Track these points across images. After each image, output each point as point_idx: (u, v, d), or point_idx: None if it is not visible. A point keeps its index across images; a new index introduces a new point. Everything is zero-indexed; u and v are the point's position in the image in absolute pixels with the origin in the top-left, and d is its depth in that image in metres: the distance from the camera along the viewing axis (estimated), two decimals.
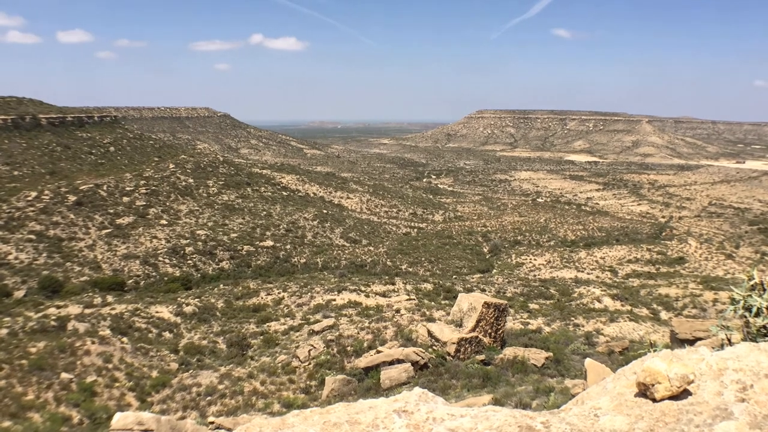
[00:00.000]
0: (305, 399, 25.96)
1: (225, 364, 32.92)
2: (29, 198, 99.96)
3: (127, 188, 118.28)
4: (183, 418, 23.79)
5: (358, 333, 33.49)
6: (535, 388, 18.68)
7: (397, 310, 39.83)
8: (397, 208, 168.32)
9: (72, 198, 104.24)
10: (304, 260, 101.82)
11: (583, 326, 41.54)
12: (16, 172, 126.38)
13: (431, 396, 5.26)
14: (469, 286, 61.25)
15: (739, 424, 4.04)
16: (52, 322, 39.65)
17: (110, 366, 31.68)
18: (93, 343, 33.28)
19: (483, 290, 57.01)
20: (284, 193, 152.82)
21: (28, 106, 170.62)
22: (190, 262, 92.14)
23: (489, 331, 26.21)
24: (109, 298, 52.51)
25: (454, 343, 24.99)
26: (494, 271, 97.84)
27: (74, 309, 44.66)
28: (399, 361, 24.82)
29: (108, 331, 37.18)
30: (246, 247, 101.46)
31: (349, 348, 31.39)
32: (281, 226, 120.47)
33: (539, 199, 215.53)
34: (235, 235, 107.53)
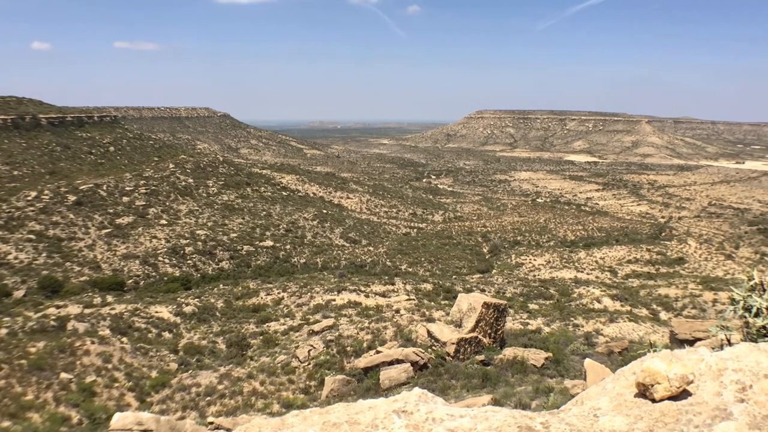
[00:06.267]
0: (305, 399, 25.96)
1: (224, 365, 32.91)
2: (29, 198, 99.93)
3: (127, 188, 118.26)
4: (182, 418, 23.78)
5: (358, 333, 33.49)
6: (535, 388, 18.68)
7: (397, 311, 39.82)
8: (397, 208, 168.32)
9: (72, 198, 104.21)
10: (304, 260, 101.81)
11: (582, 326, 41.55)
12: (15, 172, 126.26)
13: (431, 396, 5.26)
14: (468, 286, 61.24)
15: (738, 424, 4.04)
16: (52, 322, 39.63)
17: (110, 366, 31.68)
18: (92, 343, 33.28)
19: (483, 290, 57.01)
20: (284, 193, 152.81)
21: (27, 106, 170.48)
22: (189, 262, 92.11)
23: (488, 331, 26.22)
24: (109, 298, 52.50)
25: (453, 344, 24.98)
26: (494, 271, 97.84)
27: (74, 309, 44.64)
28: (398, 362, 24.81)
29: (107, 331, 37.19)
30: (246, 247, 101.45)
31: (348, 348, 31.39)
32: (281, 226, 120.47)
33: (539, 200, 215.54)
34: (234, 235, 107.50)
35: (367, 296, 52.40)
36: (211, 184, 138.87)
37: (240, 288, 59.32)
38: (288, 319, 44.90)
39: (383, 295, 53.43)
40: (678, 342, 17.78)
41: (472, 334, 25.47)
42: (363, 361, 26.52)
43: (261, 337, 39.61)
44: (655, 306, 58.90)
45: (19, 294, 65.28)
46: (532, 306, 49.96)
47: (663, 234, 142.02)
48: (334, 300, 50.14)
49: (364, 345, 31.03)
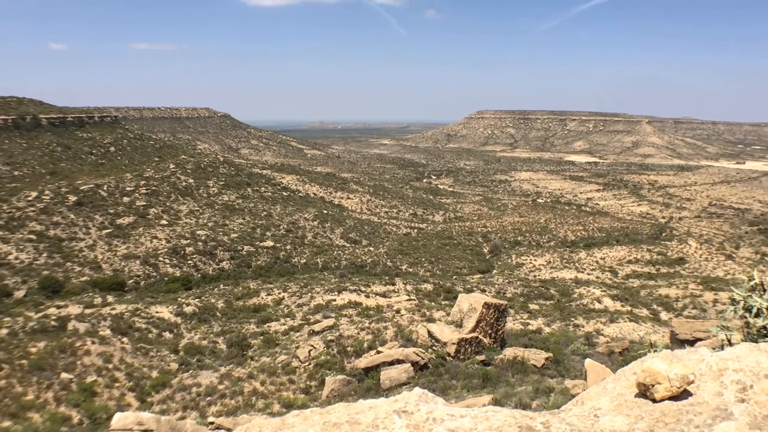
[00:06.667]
0: (305, 399, 25.96)
1: (225, 365, 32.92)
2: (30, 198, 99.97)
3: (128, 188, 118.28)
4: (183, 418, 23.78)
5: (358, 333, 33.50)
6: (535, 388, 18.67)
7: (398, 311, 39.83)
8: (398, 208, 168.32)
9: (72, 198, 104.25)
10: (305, 260, 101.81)
11: (583, 327, 41.53)
12: (16, 172, 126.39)
13: (431, 396, 5.26)
14: (469, 286, 61.22)
15: (739, 424, 4.04)
16: (53, 322, 39.64)
17: (110, 366, 31.69)
18: (93, 343, 33.30)
19: (483, 291, 57.00)
20: (284, 194, 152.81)
21: (28, 106, 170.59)
22: (190, 262, 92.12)
23: (489, 331, 26.20)
24: (110, 298, 52.50)
25: (454, 344, 24.98)
26: (494, 271, 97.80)
27: (74, 309, 44.66)
28: (399, 362, 24.81)
29: (108, 331, 37.20)
30: (246, 248, 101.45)
31: (349, 348, 31.40)
32: (281, 227, 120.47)
33: (539, 200, 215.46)
34: (235, 235, 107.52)
35: (367, 296, 52.40)
36: (211, 185, 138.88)
37: (240, 288, 59.31)
38: (288, 319, 44.90)
39: (384, 295, 53.43)
40: (678, 342, 17.78)
41: (472, 335, 25.46)
42: (363, 361, 26.52)
43: (261, 337, 39.62)
44: (655, 306, 58.88)
45: (19, 294, 65.30)
46: (532, 306, 49.95)
47: (663, 234, 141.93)
48: (335, 300, 50.14)
49: (365, 345, 31.04)
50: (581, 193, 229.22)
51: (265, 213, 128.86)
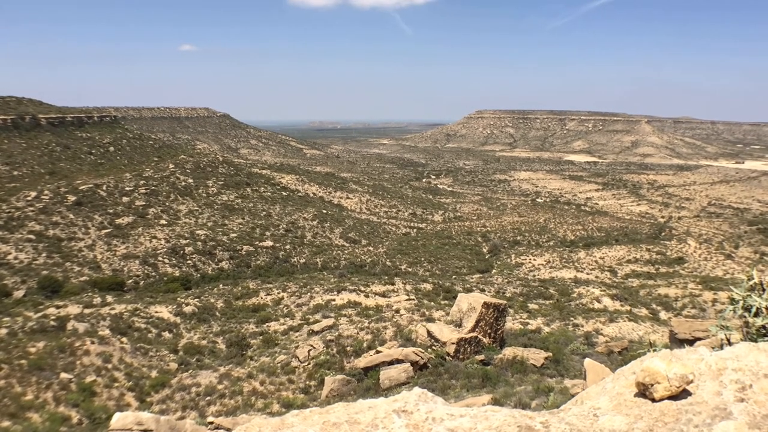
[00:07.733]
0: (304, 399, 25.95)
1: (224, 364, 32.91)
2: (29, 198, 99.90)
3: (127, 188, 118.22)
4: (182, 418, 23.77)
5: (358, 333, 33.49)
6: (535, 388, 18.67)
7: (397, 311, 39.83)
8: (397, 208, 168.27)
9: (71, 198, 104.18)
10: (304, 260, 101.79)
11: (582, 326, 41.57)
12: (15, 172, 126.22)
13: (430, 396, 5.26)
14: (468, 286, 61.23)
15: (738, 424, 4.04)
16: (52, 322, 39.61)
17: (110, 366, 31.68)
18: (92, 343, 33.29)
19: (482, 290, 57.00)
20: (284, 193, 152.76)
21: (27, 106, 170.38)
22: (189, 262, 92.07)
23: (488, 331, 26.21)
24: (109, 298, 52.45)
25: (453, 344, 24.98)
26: (494, 271, 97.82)
27: (74, 309, 44.62)
28: (398, 361, 24.81)
29: (107, 331, 37.17)
30: (245, 247, 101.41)
31: (348, 348, 31.39)
32: (281, 226, 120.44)
33: (538, 200, 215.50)
34: (234, 235, 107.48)
35: (366, 296, 52.41)
36: (210, 184, 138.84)
37: (240, 288, 59.31)
38: (288, 319, 44.90)
39: (383, 295, 53.44)
40: (678, 342, 17.77)
41: (472, 334, 25.46)
42: (363, 361, 26.52)
43: (261, 337, 39.61)
44: (654, 306, 58.95)
45: (19, 294, 65.24)
46: (531, 306, 49.97)
47: (663, 234, 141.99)
48: (334, 300, 50.14)
49: (364, 345, 31.04)
50: (580, 192, 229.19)
51: (264, 213, 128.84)
